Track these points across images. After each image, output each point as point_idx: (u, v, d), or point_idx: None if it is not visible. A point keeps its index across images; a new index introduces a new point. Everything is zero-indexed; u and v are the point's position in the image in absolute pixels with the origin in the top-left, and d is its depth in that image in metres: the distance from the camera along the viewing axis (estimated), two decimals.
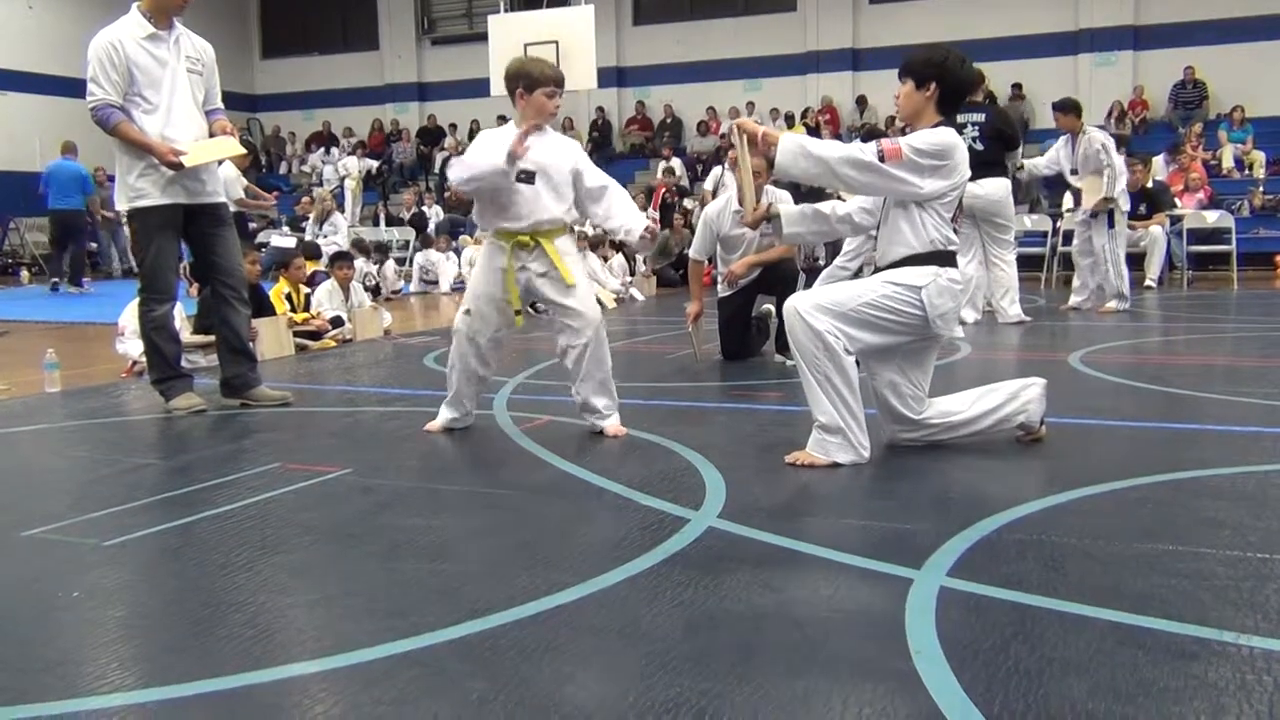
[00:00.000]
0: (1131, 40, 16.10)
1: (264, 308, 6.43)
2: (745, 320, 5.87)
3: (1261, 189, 13.05)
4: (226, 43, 15.91)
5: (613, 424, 3.79)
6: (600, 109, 18.83)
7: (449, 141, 18.42)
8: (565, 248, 3.78)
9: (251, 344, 4.82)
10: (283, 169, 20.31)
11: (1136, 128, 15.33)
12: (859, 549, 2.43)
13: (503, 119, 12.31)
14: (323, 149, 19.63)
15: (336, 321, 7.15)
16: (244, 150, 5.79)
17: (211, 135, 4.44)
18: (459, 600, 2.16)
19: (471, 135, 14.41)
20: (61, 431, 4.21)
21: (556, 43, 12.43)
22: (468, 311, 3.83)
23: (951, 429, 3.42)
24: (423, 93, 20.74)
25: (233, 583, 2.32)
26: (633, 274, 11.30)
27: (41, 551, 2.59)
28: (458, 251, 12.30)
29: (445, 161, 12.31)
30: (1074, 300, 8.26)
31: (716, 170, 14.37)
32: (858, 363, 3.25)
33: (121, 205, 4.37)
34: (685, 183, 15.86)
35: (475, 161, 3.67)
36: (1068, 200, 11.03)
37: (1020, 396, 3.42)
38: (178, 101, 4.30)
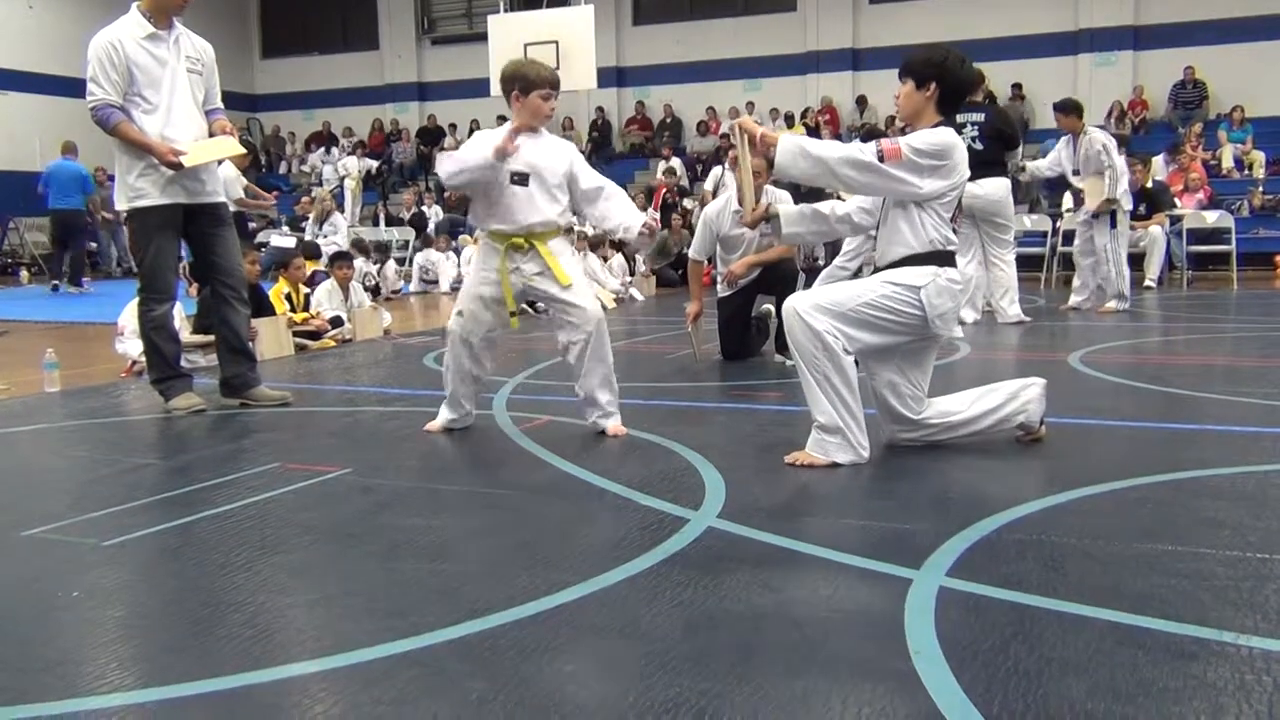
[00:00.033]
0: (1131, 40, 16.11)
1: (263, 308, 6.43)
2: (745, 320, 5.87)
3: (1261, 189, 13.05)
4: (226, 42, 15.92)
5: (614, 423, 3.79)
6: (600, 109, 18.83)
7: (449, 141, 18.41)
8: (559, 249, 3.78)
9: (251, 344, 4.81)
10: (282, 169, 20.31)
11: (1136, 128, 15.34)
12: (858, 549, 2.43)
13: (503, 119, 12.32)
14: (322, 149, 19.63)
15: (336, 321, 7.15)
16: (244, 150, 5.79)
17: (211, 135, 4.44)
18: (458, 600, 2.16)
19: (471, 135, 14.41)
20: (61, 431, 4.21)
21: (556, 43, 12.43)
22: (460, 312, 3.83)
23: (951, 429, 3.42)
24: (423, 93, 20.75)
25: (232, 583, 2.32)
26: (632, 274, 11.30)
27: (41, 551, 2.59)
28: (457, 251, 12.30)
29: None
30: (1074, 300, 8.26)
31: (716, 170, 14.37)
32: (857, 363, 3.25)
33: (121, 205, 4.37)
34: (685, 183, 15.86)
35: (463, 155, 3.69)
36: (1067, 200, 11.05)
37: (1020, 396, 3.42)
38: (177, 101, 4.30)
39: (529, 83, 3.71)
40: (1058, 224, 11.42)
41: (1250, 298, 9.44)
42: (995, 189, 6.96)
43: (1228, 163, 13.86)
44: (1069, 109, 7.80)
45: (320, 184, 17.30)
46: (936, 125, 3.27)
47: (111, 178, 4.57)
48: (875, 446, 3.34)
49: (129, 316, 5.48)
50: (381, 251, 11.59)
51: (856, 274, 6.45)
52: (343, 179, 17.11)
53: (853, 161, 3.19)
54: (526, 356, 5.95)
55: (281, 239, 11.26)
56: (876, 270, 3.36)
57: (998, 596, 2.12)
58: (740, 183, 3.66)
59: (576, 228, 9.15)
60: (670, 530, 2.61)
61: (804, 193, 7.35)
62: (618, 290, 10.33)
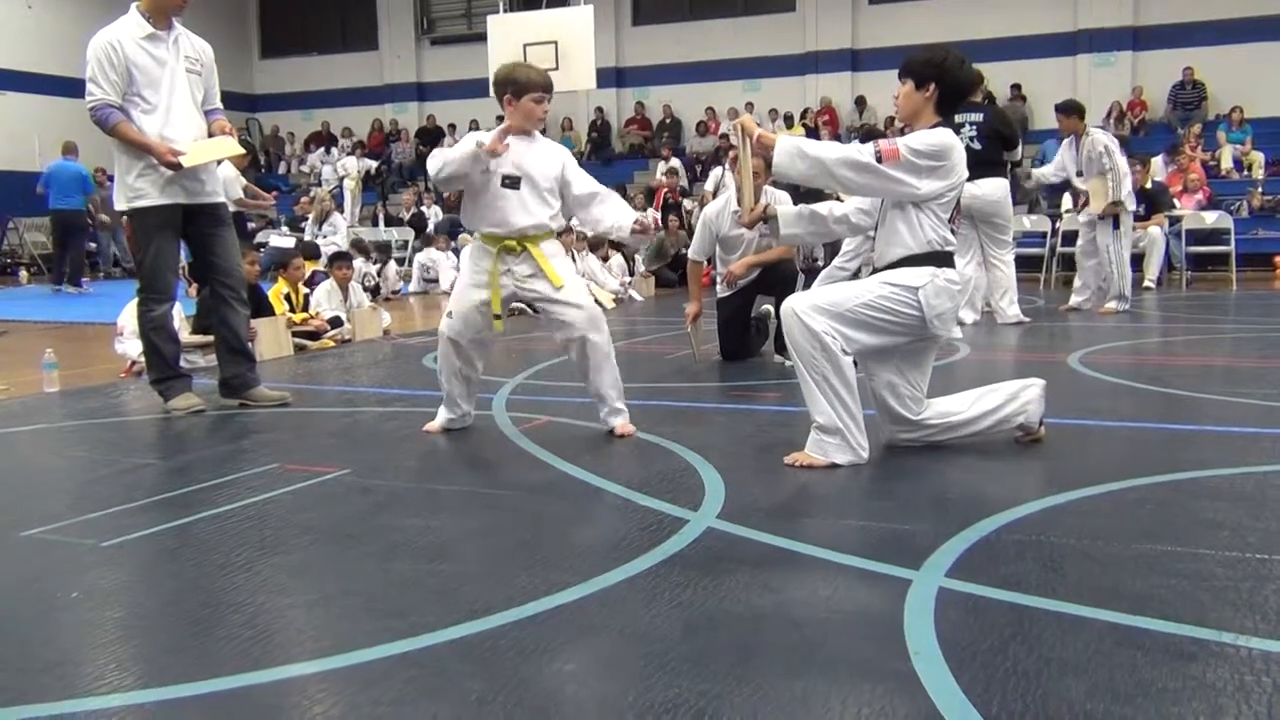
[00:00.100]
0: (1130, 41, 16.11)
1: (263, 308, 6.43)
2: (744, 321, 5.87)
3: (1260, 190, 13.06)
4: (226, 43, 15.93)
5: (622, 422, 3.79)
6: (599, 109, 18.83)
7: (448, 141, 18.40)
8: (552, 251, 3.79)
9: (250, 344, 4.81)
10: (282, 169, 20.32)
11: (1135, 128, 15.35)
12: (858, 550, 2.43)
13: (502, 119, 12.28)
14: (322, 149, 19.64)
15: (335, 322, 7.15)
16: (243, 150, 5.79)
17: (210, 135, 4.44)
18: (458, 601, 2.16)
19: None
20: (60, 432, 4.21)
21: (556, 43, 12.43)
22: (450, 314, 3.83)
23: (950, 430, 3.42)
24: (422, 93, 20.75)
25: (231, 583, 2.32)
26: (631, 274, 11.30)
27: (40, 552, 2.59)
28: (456, 251, 12.29)
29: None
30: (1075, 300, 8.27)
31: (716, 171, 14.38)
32: (856, 364, 3.25)
33: (120, 205, 4.37)
34: (685, 183, 15.87)
35: (447, 150, 3.70)
36: (1066, 201, 11.05)
37: (1019, 397, 3.42)
38: (176, 101, 4.30)
39: (521, 86, 3.71)
40: (1057, 224, 11.43)
41: (1249, 298, 9.45)
42: (994, 189, 6.96)
43: (1227, 163, 13.87)
44: (1070, 110, 7.80)
45: (319, 184, 17.30)
46: (935, 126, 3.27)
47: (111, 178, 4.57)
48: (874, 447, 3.34)
49: (128, 317, 5.48)
50: (383, 252, 11.58)
51: (856, 274, 6.45)
52: (342, 179, 17.11)
53: (850, 162, 3.19)
54: (526, 357, 5.96)
55: (281, 239, 11.26)
56: (875, 271, 3.36)
57: (997, 597, 2.12)
58: (740, 183, 3.66)
59: (576, 227, 9.14)
60: (669, 531, 2.61)
61: (803, 193, 7.35)
62: (617, 291, 10.33)
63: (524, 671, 1.82)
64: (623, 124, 19.07)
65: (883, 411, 3.42)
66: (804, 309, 3.18)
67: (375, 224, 16.09)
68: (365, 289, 8.90)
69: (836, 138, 15.47)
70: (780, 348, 5.38)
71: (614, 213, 3.82)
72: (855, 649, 1.89)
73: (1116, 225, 7.90)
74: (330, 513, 2.88)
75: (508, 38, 12.60)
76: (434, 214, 15.21)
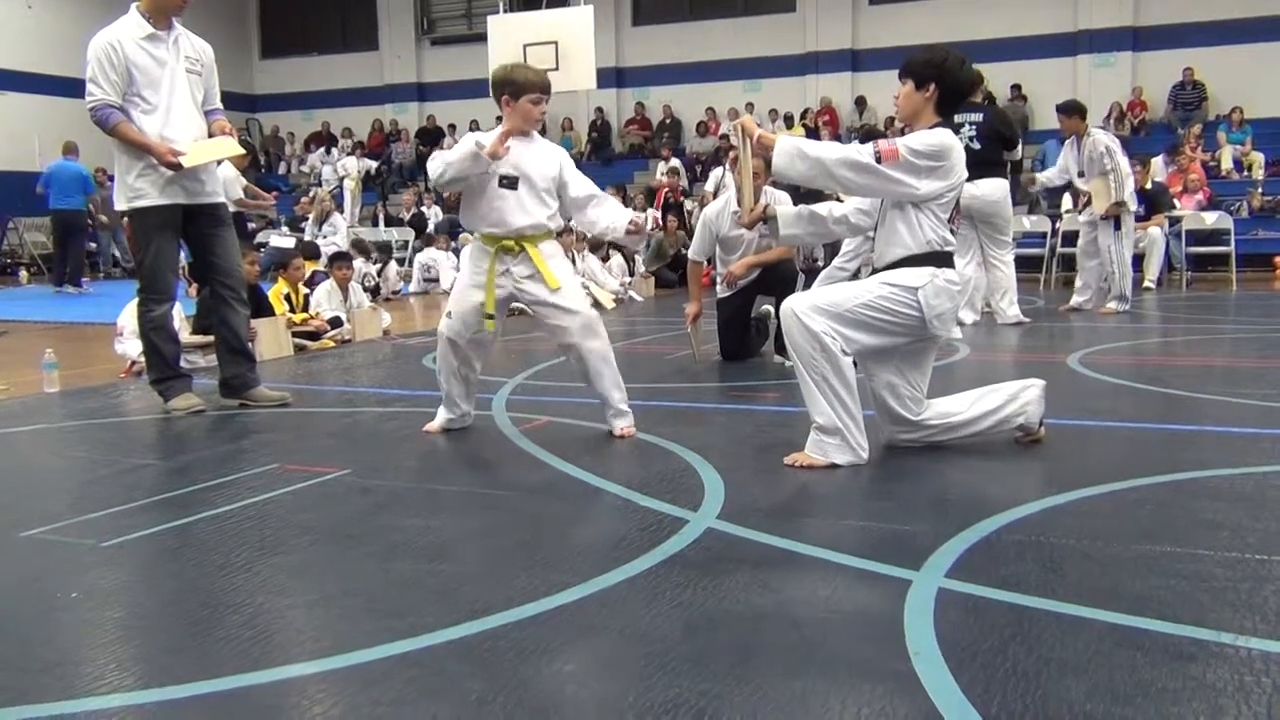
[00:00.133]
0: (1130, 41, 16.11)
1: (263, 308, 6.43)
2: (744, 321, 5.87)
3: (1260, 190, 13.06)
4: (226, 43, 15.93)
5: (624, 423, 3.79)
6: (599, 109, 18.83)
7: (448, 142, 18.42)
8: (550, 251, 3.79)
9: (250, 344, 4.81)
10: (282, 169, 20.32)
11: (1136, 129, 15.35)
12: (857, 550, 2.43)
13: (502, 119, 12.28)
14: (322, 149, 19.63)
15: (335, 322, 7.15)
16: (243, 150, 5.79)
17: (210, 135, 4.44)
18: (458, 601, 2.16)
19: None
20: (60, 432, 4.21)
21: (556, 43, 12.43)
22: (449, 314, 3.84)
23: (950, 430, 3.42)
24: (422, 93, 20.75)
25: (231, 583, 2.32)
26: (631, 275, 11.30)
27: (40, 552, 2.59)
28: (456, 251, 12.30)
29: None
30: (1076, 301, 8.27)
31: (717, 171, 14.37)
32: (855, 364, 3.25)
33: (121, 205, 4.37)
34: (685, 184, 15.87)
35: (447, 154, 3.70)
36: (1066, 201, 11.05)
37: (1019, 398, 3.42)
38: (176, 102, 4.30)
39: (519, 87, 3.72)
40: (1057, 225, 11.42)
41: (1249, 299, 9.45)
42: (993, 190, 6.96)
43: (1227, 164, 13.87)
44: (1071, 110, 7.80)
45: (319, 184, 17.30)
46: (934, 126, 3.27)
47: (112, 178, 4.57)
48: (874, 448, 3.34)
49: (128, 317, 5.49)
50: (384, 252, 11.58)
51: (856, 275, 6.45)
52: (342, 179, 17.12)
53: (850, 163, 3.19)
54: (526, 357, 5.96)
55: (281, 239, 11.26)
56: (875, 271, 3.36)
57: (997, 598, 2.12)
58: (740, 183, 3.66)
59: (576, 227, 9.13)
60: (669, 531, 2.61)
61: (803, 194, 7.35)
62: (617, 291, 10.32)
63: (524, 672, 1.82)
64: (623, 124, 19.07)
65: (882, 412, 3.42)
66: (803, 309, 3.18)
67: (375, 224, 16.09)
68: (365, 289, 8.90)
69: (836, 138, 15.47)
70: (780, 348, 5.37)
71: (609, 214, 3.84)
72: (855, 649, 1.89)
73: (1118, 226, 7.90)
74: (330, 513, 2.88)
75: (508, 38, 12.60)
76: (434, 214, 15.21)
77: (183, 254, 4.72)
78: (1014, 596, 2.12)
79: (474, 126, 15.65)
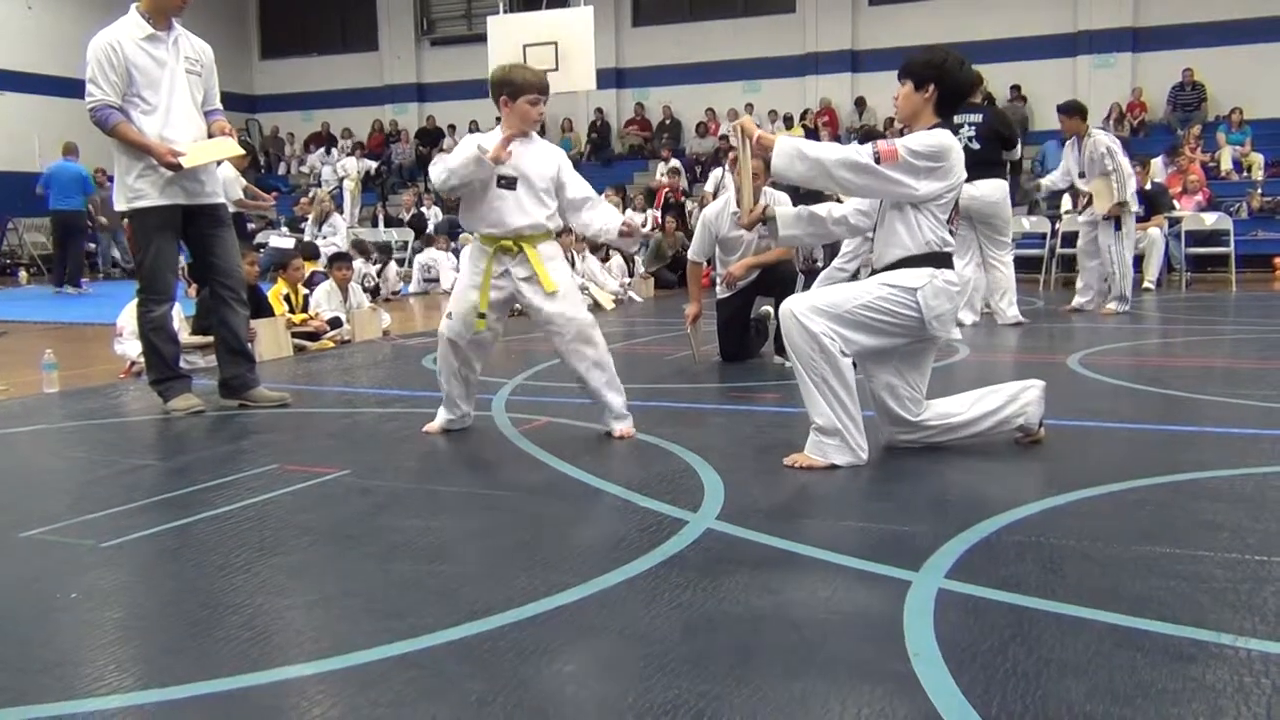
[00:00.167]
0: (1130, 42, 16.12)
1: (262, 308, 6.43)
2: (744, 322, 5.87)
3: (1260, 191, 13.06)
4: (225, 43, 15.94)
5: (623, 425, 3.79)
6: (599, 110, 18.83)
7: (447, 143, 18.41)
8: (549, 253, 3.79)
9: (250, 345, 4.81)
10: (281, 170, 20.32)
11: (1135, 130, 15.34)
12: (857, 551, 2.43)
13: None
14: (322, 150, 19.63)
15: (335, 322, 7.15)
16: (242, 151, 5.79)
17: (210, 136, 4.44)
18: (457, 601, 2.16)
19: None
20: (60, 432, 4.21)
21: (555, 44, 12.42)
22: (450, 315, 3.84)
23: (950, 431, 3.42)
24: (422, 94, 20.75)
25: (230, 584, 2.32)
26: (631, 275, 11.30)
27: (40, 552, 2.59)
28: (456, 252, 12.30)
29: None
30: (1077, 301, 8.27)
31: (717, 172, 14.37)
32: (855, 365, 3.25)
33: (120, 205, 4.37)
34: (685, 184, 15.86)
35: (449, 160, 3.70)
36: (1066, 202, 11.05)
37: (1019, 398, 3.42)
38: (176, 102, 4.30)
39: (517, 88, 3.71)
40: (1056, 225, 11.42)
41: (1249, 300, 9.45)
42: (992, 190, 6.96)
43: (1226, 165, 13.87)
44: (1072, 111, 7.80)
45: (319, 185, 17.31)
46: (934, 127, 3.27)
47: (111, 179, 4.57)
48: (874, 448, 3.34)
49: (128, 317, 5.48)
50: (384, 252, 11.58)
51: (855, 276, 6.45)
52: (342, 180, 17.12)
53: (849, 163, 3.19)
54: (526, 357, 5.96)
55: (280, 240, 11.26)
56: (874, 272, 3.36)
57: (996, 598, 2.12)
58: (739, 184, 3.66)
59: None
60: (669, 532, 2.61)
61: (802, 195, 7.35)
62: (616, 292, 10.33)
63: (523, 672, 1.82)
64: (622, 125, 19.07)
65: (882, 413, 3.42)
66: (802, 310, 3.18)
67: (375, 225, 16.09)
68: (365, 290, 8.90)
69: (836, 139, 15.47)
70: (780, 349, 5.37)
71: (602, 217, 3.86)
72: (855, 650, 1.89)
73: (1118, 226, 7.91)
74: (330, 513, 2.88)
75: (508, 38, 12.60)
76: (434, 215, 15.21)
77: (182, 254, 4.72)
78: (1014, 597, 2.12)
79: (474, 127, 15.65)
